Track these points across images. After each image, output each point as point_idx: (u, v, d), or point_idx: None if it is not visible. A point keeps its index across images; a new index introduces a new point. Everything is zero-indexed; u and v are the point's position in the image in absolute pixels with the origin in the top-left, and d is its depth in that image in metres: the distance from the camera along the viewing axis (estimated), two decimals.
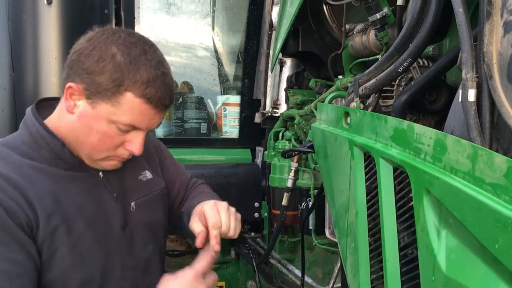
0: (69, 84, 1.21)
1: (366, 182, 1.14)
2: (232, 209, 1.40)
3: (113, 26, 2.48)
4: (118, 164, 1.34)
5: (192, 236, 1.36)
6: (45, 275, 1.21)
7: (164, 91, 1.22)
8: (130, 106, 1.19)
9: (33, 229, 1.18)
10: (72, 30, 2.30)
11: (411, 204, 0.96)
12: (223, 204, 1.39)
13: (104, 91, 1.18)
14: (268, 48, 2.86)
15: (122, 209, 1.37)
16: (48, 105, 1.35)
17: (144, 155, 1.48)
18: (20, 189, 1.18)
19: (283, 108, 2.75)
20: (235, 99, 3.07)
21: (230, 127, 3.06)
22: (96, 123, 1.22)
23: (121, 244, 1.35)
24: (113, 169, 1.34)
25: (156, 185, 1.50)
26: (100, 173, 1.35)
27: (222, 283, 2.85)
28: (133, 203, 1.40)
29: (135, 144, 1.27)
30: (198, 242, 1.32)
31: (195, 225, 1.34)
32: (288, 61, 2.78)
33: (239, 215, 1.40)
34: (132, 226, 1.38)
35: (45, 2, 2.25)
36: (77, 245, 1.24)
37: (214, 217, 1.32)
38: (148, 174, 1.48)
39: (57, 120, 1.31)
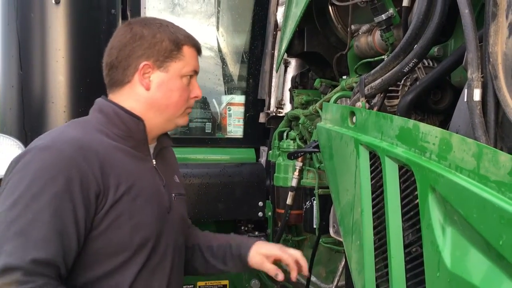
0: (143, 62, 1.42)
1: (371, 181, 1.16)
2: None
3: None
4: (188, 118, 1.57)
5: (237, 268, 1.67)
6: (114, 232, 1.37)
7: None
8: (189, 55, 1.48)
9: (101, 197, 1.34)
10: (79, 29, 2.32)
11: (416, 202, 0.97)
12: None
13: (170, 52, 1.45)
14: (273, 48, 2.86)
15: (169, 195, 1.54)
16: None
17: (175, 166, 1.70)
18: (100, 158, 1.34)
19: (287, 108, 2.76)
20: (240, 99, 3.07)
21: (235, 127, 3.06)
22: (174, 83, 1.46)
23: (168, 224, 1.51)
24: (185, 124, 1.57)
25: (182, 189, 1.67)
26: (154, 161, 1.53)
27: (226, 282, 2.85)
28: (173, 194, 1.57)
29: (196, 88, 1.53)
30: (281, 277, 1.58)
31: (268, 265, 1.62)
32: (293, 62, 2.78)
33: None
34: (174, 213, 1.54)
35: (53, 1, 2.26)
36: (139, 212, 1.41)
37: (295, 252, 1.64)
38: (177, 179, 1.67)
39: (127, 103, 1.46)
